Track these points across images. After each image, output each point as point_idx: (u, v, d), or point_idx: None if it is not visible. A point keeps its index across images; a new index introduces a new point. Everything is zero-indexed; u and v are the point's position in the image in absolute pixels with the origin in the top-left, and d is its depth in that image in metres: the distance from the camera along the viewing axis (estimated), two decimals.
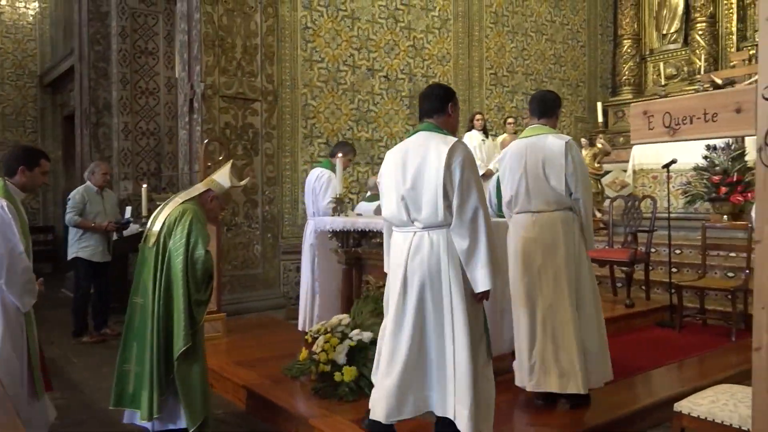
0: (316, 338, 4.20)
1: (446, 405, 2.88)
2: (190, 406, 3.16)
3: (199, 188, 3.55)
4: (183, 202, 3.37)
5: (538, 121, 3.81)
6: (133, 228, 7.37)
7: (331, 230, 4.84)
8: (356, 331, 4.06)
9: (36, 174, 3.33)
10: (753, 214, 2.75)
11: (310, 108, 7.38)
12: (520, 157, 3.72)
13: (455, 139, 2.95)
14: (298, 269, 7.15)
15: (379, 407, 2.97)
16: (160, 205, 3.55)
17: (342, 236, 4.83)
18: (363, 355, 3.94)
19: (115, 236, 6.83)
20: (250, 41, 6.84)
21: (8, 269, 3.03)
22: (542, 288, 3.63)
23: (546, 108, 3.81)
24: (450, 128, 3.07)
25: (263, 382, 4.20)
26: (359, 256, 4.81)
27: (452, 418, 2.87)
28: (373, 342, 3.99)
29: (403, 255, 2.97)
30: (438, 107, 3.05)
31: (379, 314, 4.24)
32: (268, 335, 5.60)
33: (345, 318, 4.24)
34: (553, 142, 3.64)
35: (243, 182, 3.87)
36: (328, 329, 4.17)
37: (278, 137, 7.04)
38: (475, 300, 2.94)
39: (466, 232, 2.84)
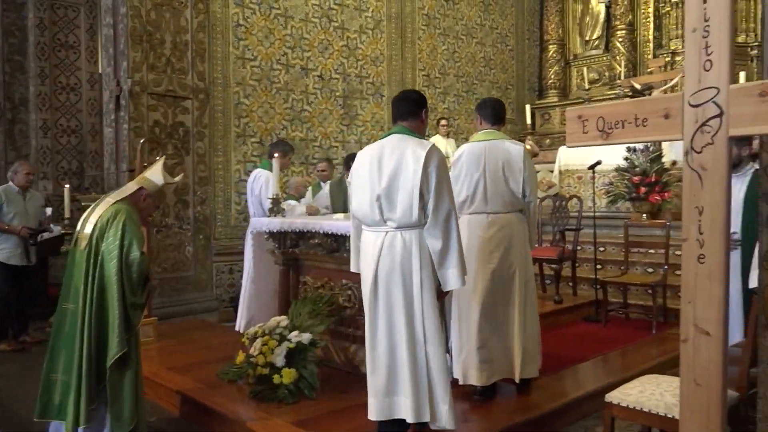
0: (254, 341, 4.15)
1: (421, 410, 2.95)
2: (118, 414, 3.06)
3: (131, 187, 3.40)
4: (115, 203, 3.23)
5: (492, 126, 3.95)
6: (55, 230, 7.01)
7: (267, 231, 4.78)
8: (295, 332, 4.02)
9: None
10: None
11: (242, 107, 7.26)
12: (478, 159, 3.83)
13: (431, 143, 3.06)
14: (231, 271, 7.05)
15: (371, 407, 3.07)
16: (84, 205, 3.39)
17: (279, 237, 4.78)
18: (302, 356, 3.92)
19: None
20: (180, 37, 6.65)
21: None
22: (496, 286, 3.78)
23: (499, 115, 3.98)
24: (422, 132, 3.18)
25: (198, 386, 4.10)
26: (296, 256, 4.77)
27: (428, 420, 2.95)
28: (313, 343, 3.99)
29: (375, 253, 3.03)
30: (414, 111, 3.15)
31: (317, 315, 4.24)
32: (201, 339, 5.46)
33: (283, 320, 4.19)
34: (511, 146, 3.84)
35: (176, 179, 3.74)
36: (266, 331, 4.12)
37: (210, 136, 6.88)
38: (437, 297, 3.06)
39: (439, 233, 2.94)
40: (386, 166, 3.00)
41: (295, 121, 7.74)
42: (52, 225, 6.71)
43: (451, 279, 2.99)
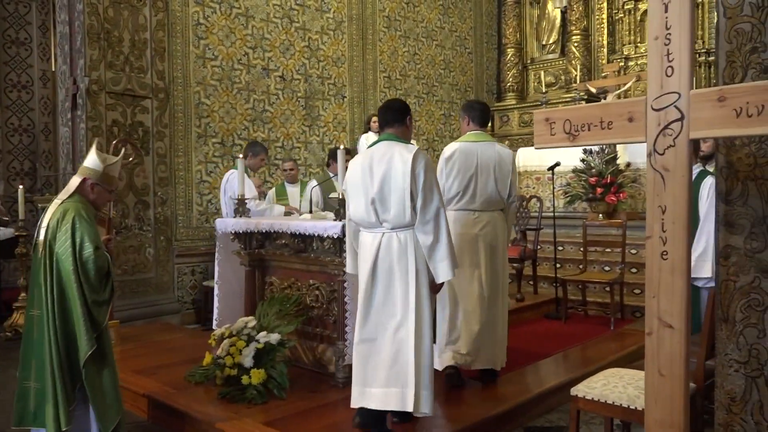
0: (221, 342, 4.12)
1: (406, 400, 3.11)
2: (102, 410, 3.05)
3: (75, 182, 3.27)
4: (62, 202, 3.16)
5: (480, 128, 4.13)
6: (7, 232, 6.80)
7: (233, 232, 4.75)
8: (263, 333, 4.02)
9: None
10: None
11: (203, 107, 7.18)
12: (470, 159, 4.01)
13: (416, 147, 3.25)
14: (193, 272, 6.96)
15: (356, 396, 3.28)
16: (40, 206, 3.34)
17: (245, 238, 4.75)
18: (271, 357, 3.92)
19: None
20: (139, 35, 6.54)
21: None
22: (483, 281, 3.99)
23: (486, 118, 4.22)
24: (407, 138, 3.38)
25: (165, 389, 4.05)
26: (263, 257, 4.76)
27: (410, 410, 3.11)
28: (281, 343, 3.99)
29: (373, 252, 3.24)
30: (398, 119, 3.36)
31: (285, 315, 4.25)
32: (165, 341, 5.38)
33: (251, 320, 4.18)
34: (502, 150, 4.10)
35: (118, 157, 3.52)
36: (233, 332, 4.10)
37: (170, 136, 6.78)
38: (432, 291, 3.27)
39: (429, 228, 3.15)
40: (377, 172, 3.18)
41: (257, 122, 7.69)
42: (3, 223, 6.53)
43: (443, 271, 3.18)
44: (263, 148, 6.05)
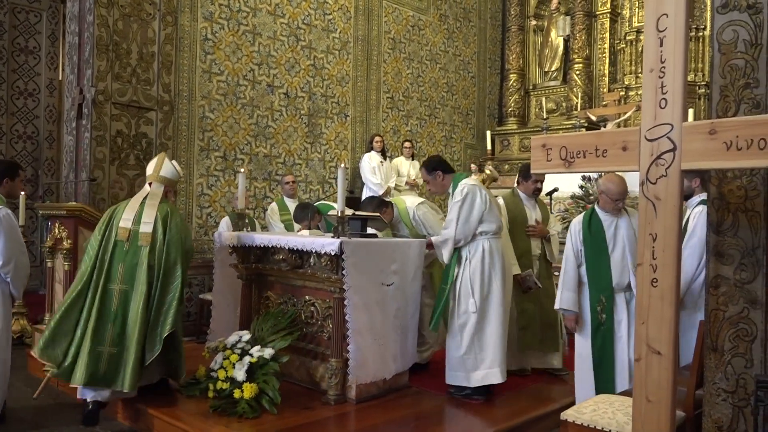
0: (215, 354, 4.14)
1: None
2: (178, 364, 4.10)
3: (158, 190, 4.15)
4: (160, 203, 4.09)
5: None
6: None
7: (231, 245, 4.79)
8: (257, 347, 4.03)
9: (17, 183, 4.33)
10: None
11: (207, 120, 7.25)
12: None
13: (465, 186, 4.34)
14: (190, 285, 6.96)
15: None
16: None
17: (242, 252, 4.79)
18: (264, 371, 3.93)
19: None
20: (147, 48, 6.64)
21: (16, 265, 3.86)
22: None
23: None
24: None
25: (158, 401, 4.05)
26: (260, 271, 4.79)
27: None
28: (274, 358, 4.01)
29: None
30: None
31: (279, 331, 4.26)
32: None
33: (245, 334, 4.20)
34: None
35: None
36: (228, 345, 4.12)
37: (173, 148, 6.84)
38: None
39: None
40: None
41: (260, 137, 7.76)
42: None
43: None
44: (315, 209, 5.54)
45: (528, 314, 4.90)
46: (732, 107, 2.40)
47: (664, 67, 2.09)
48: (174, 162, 4.31)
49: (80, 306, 3.87)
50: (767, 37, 2.32)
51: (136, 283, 3.88)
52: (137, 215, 4.03)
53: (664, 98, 2.10)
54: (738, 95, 2.38)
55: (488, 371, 4.15)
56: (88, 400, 3.82)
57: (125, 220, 4.01)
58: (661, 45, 2.10)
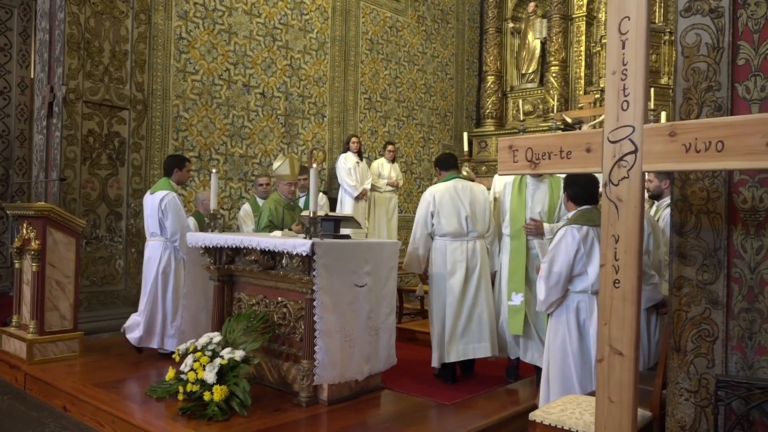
0: (185, 357, 4.09)
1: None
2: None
3: None
4: None
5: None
6: None
7: (203, 246, 4.74)
8: (228, 349, 3.99)
9: (185, 172, 5.41)
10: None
11: (182, 120, 7.18)
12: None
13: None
14: None
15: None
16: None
17: (214, 253, 4.74)
18: (235, 373, 3.89)
19: None
20: (120, 47, 6.56)
21: (182, 237, 5.01)
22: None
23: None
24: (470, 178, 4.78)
25: (126, 404, 4.00)
26: (232, 272, 4.75)
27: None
28: (245, 360, 3.97)
29: (463, 255, 4.73)
30: (455, 165, 5.03)
31: (251, 332, 4.23)
32: (130, 355, 5.31)
33: (216, 336, 4.16)
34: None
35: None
36: (198, 347, 4.08)
37: (147, 148, 6.76)
38: None
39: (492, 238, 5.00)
40: (465, 198, 4.78)
41: (235, 137, 7.70)
42: None
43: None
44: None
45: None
46: (695, 110, 2.42)
47: (626, 70, 2.11)
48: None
49: None
50: (728, 41, 2.35)
51: None
52: None
53: (626, 100, 2.11)
54: (700, 98, 2.41)
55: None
56: None
57: None
58: (623, 47, 2.11)
